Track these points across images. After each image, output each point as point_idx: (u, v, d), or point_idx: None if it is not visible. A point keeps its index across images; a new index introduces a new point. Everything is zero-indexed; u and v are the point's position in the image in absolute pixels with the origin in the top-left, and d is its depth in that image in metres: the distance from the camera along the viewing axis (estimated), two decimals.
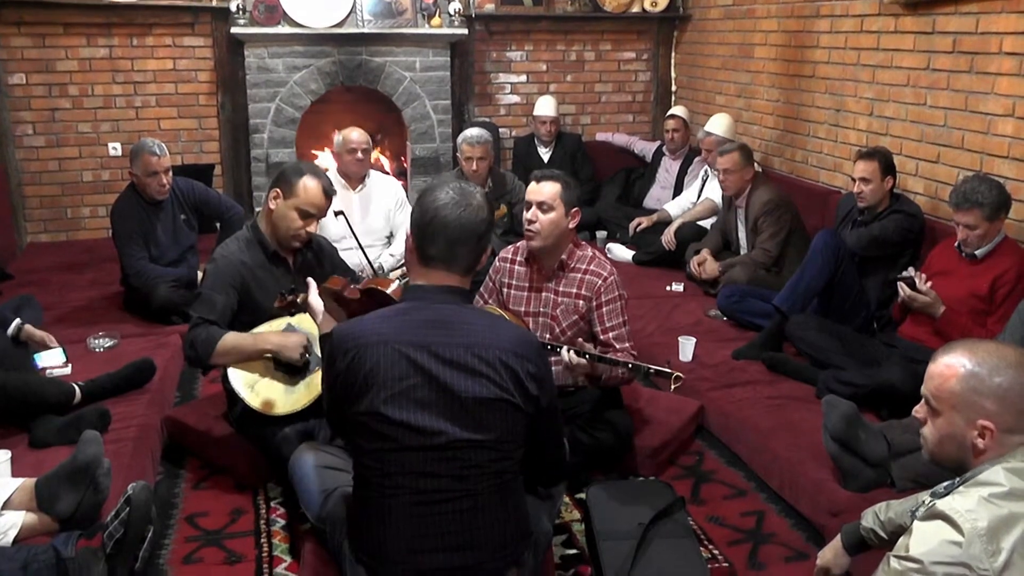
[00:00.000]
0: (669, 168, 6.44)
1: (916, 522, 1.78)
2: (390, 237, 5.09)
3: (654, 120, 7.40)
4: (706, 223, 5.65)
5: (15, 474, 2.82)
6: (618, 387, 3.41)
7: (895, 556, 1.76)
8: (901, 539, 1.78)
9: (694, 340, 4.16)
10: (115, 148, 6.38)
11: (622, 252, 5.81)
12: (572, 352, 3.06)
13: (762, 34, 5.98)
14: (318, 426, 3.12)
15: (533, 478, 2.42)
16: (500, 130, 7.04)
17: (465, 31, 6.55)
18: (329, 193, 3.33)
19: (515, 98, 7.20)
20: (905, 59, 4.62)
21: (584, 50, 7.24)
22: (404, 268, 3.79)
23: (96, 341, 4.13)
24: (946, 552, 1.67)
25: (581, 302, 3.30)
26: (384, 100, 6.67)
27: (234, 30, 6.15)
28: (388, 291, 2.82)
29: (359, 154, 4.92)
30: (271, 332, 3.21)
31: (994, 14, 4.02)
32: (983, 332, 3.47)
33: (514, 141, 7.00)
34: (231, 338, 3.14)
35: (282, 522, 3.11)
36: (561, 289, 3.33)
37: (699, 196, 5.86)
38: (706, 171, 5.88)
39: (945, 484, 1.85)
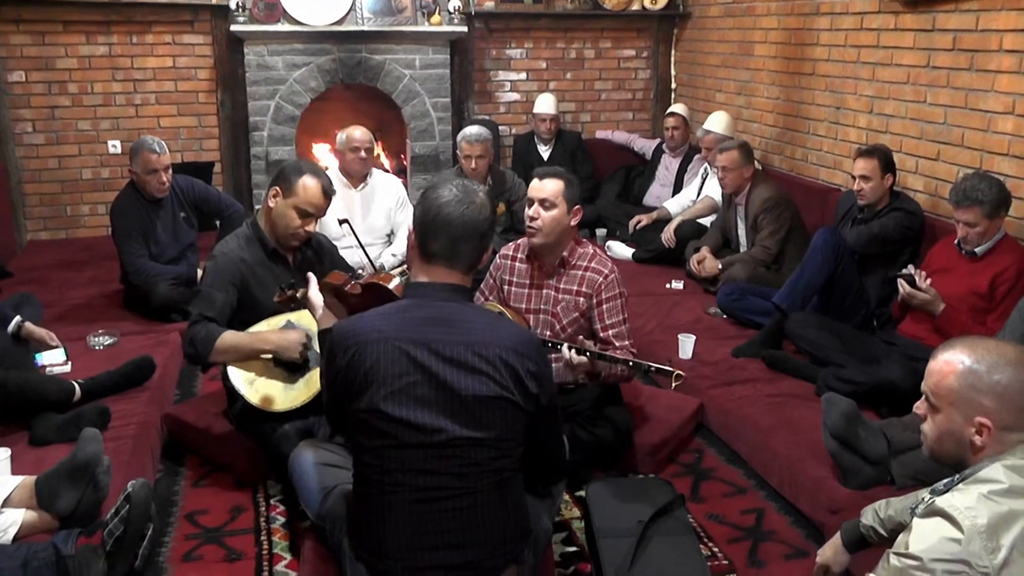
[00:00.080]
0: (669, 166, 6.44)
1: (916, 519, 1.78)
2: (391, 236, 5.08)
3: (654, 118, 7.40)
4: (706, 221, 5.65)
5: (15, 472, 2.82)
6: (618, 384, 3.41)
7: (895, 553, 1.76)
8: (901, 536, 1.78)
9: (694, 338, 4.16)
10: (115, 146, 6.38)
11: (622, 250, 5.81)
12: (573, 350, 3.06)
13: (762, 32, 5.97)
14: (318, 423, 3.12)
15: (533, 476, 2.42)
16: (500, 128, 7.04)
17: (465, 29, 6.55)
18: (328, 193, 3.33)
19: (515, 96, 7.19)
20: (905, 57, 4.62)
21: (584, 48, 7.24)
22: (405, 266, 3.80)
23: (96, 339, 4.13)
24: (946, 549, 1.67)
25: (582, 299, 3.30)
26: (384, 98, 6.67)
27: (234, 28, 6.15)
28: (390, 287, 2.82)
29: (362, 153, 4.91)
30: (270, 331, 3.21)
31: (994, 11, 4.02)
32: (983, 330, 3.47)
33: (514, 139, 7.00)
34: (230, 336, 3.14)
35: (282, 520, 3.11)
36: (562, 286, 3.33)
37: (699, 194, 5.86)
38: (706, 169, 5.88)
39: (945, 481, 1.86)
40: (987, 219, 3.53)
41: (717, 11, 6.63)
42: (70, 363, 3.81)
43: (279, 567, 2.85)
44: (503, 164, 6.72)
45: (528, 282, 3.40)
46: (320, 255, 3.49)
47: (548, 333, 3.33)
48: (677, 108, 6.50)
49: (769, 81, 5.93)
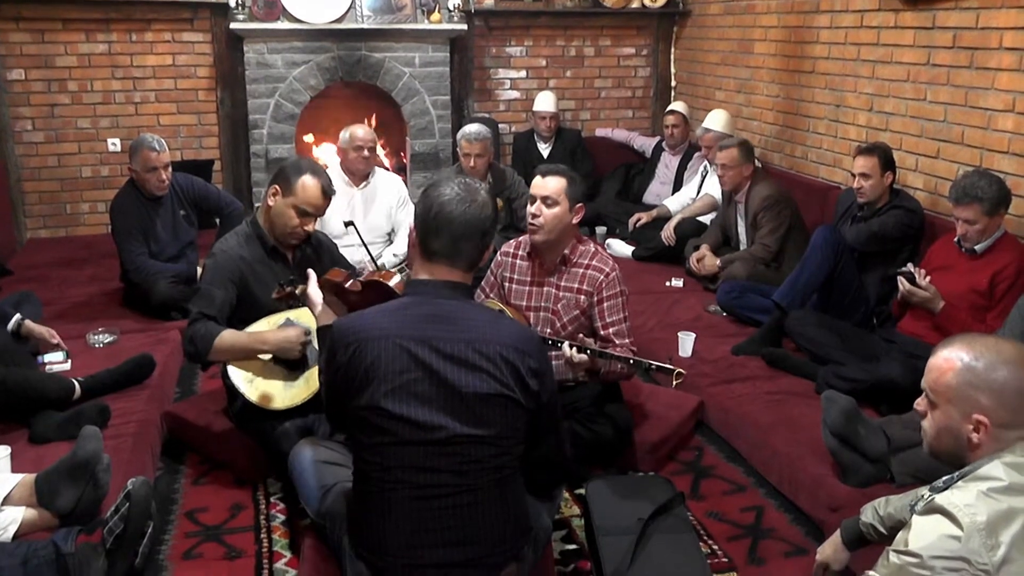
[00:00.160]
0: (668, 164, 6.44)
1: (915, 516, 1.78)
2: (391, 235, 5.08)
3: (654, 116, 7.40)
4: (706, 219, 5.65)
5: (15, 470, 2.82)
6: (617, 382, 3.41)
7: (894, 551, 1.76)
8: (900, 534, 1.79)
9: (693, 336, 4.16)
10: (114, 144, 6.38)
11: (621, 248, 5.80)
12: (574, 348, 3.06)
13: (762, 29, 5.97)
14: (317, 421, 3.12)
15: (535, 478, 2.41)
16: (500, 126, 7.04)
17: (464, 27, 6.55)
18: (328, 193, 3.33)
19: (515, 94, 7.19)
20: (905, 54, 4.62)
21: (584, 46, 7.23)
22: (405, 263, 3.80)
23: (96, 337, 4.13)
24: (945, 546, 1.67)
25: (582, 297, 3.30)
26: (383, 96, 6.66)
27: (233, 26, 6.14)
28: (391, 284, 2.82)
29: (365, 152, 4.89)
30: (269, 331, 3.20)
31: (994, 9, 4.02)
32: (982, 327, 3.48)
33: (514, 137, 7.00)
34: (229, 336, 3.14)
35: (282, 517, 3.11)
36: (563, 284, 3.33)
37: (698, 192, 5.86)
38: (705, 167, 5.88)
39: (944, 479, 1.86)
40: (987, 216, 3.53)
41: (717, 9, 6.62)
42: (70, 361, 3.81)
43: (279, 565, 2.85)
44: (503, 162, 6.71)
45: (529, 279, 3.40)
46: (320, 253, 3.49)
47: (548, 331, 3.33)
48: (677, 106, 6.50)
49: (769, 79, 5.92)
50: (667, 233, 5.56)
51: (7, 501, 2.63)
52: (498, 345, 2.12)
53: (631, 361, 3.03)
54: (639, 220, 5.97)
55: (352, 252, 4.11)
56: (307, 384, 3.16)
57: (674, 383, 2.92)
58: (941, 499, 1.74)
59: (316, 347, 3.07)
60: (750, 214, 4.94)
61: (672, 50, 7.35)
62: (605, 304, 3.29)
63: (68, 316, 4.53)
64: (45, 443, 3.13)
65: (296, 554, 2.85)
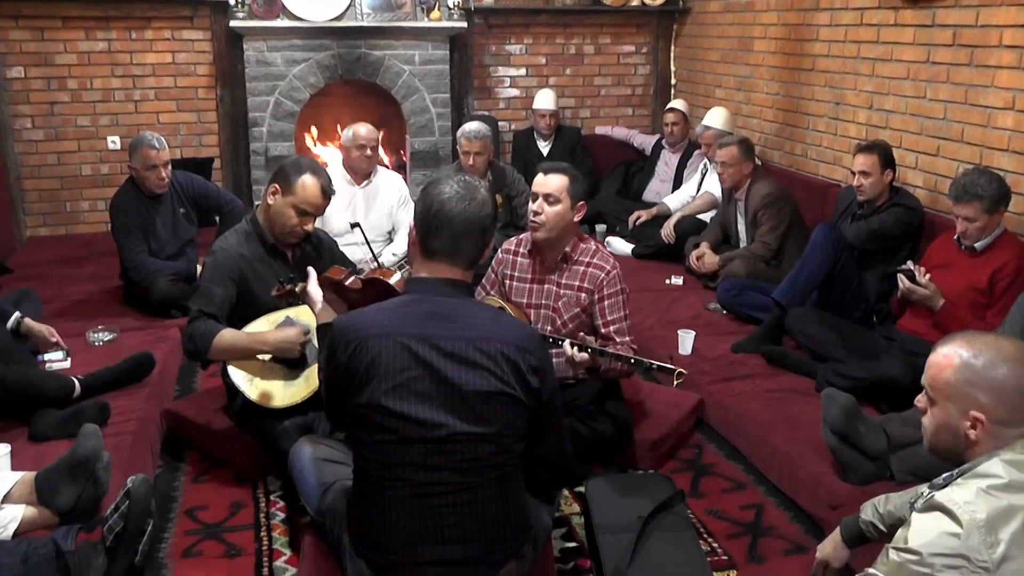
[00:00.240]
0: (668, 161, 6.44)
1: (914, 514, 1.79)
2: (392, 233, 5.07)
3: (653, 114, 7.39)
4: (705, 216, 5.65)
5: (15, 468, 2.82)
6: (618, 380, 3.41)
7: (894, 548, 1.76)
8: (900, 531, 1.79)
9: (693, 333, 4.16)
10: (114, 142, 6.37)
11: (621, 245, 5.80)
12: (575, 347, 3.05)
13: (761, 27, 5.97)
14: (317, 419, 3.11)
15: (536, 477, 2.40)
16: (499, 124, 7.04)
17: (464, 24, 6.55)
18: (328, 193, 3.32)
19: (514, 91, 7.19)
20: (905, 52, 4.61)
21: (583, 44, 7.23)
22: (405, 260, 3.80)
23: (95, 335, 4.13)
24: (945, 544, 1.68)
25: (583, 295, 3.30)
26: (383, 93, 6.66)
27: (233, 23, 6.14)
28: (391, 282, 2.82)
29: (367, 151, 4.88)
30: (268, 331, 3.19)
31: (994, 7, 4.01)
32: (982, 325, 3.48)
33: (513, 134, 7.00)
34: (229, 335, 3.13)
35: (282, 515, 3.11)
36: (563, 282, 3.34)
37: (698, 189, 5.86)
38: (705, 164, 5.88)
39: (944, 476, 1.86)
40: (986, 214, 3.53)
41: (717, 7, 6.62)
42: (70, 359, 3.81)
43: (279, 563, 2.85)
44: (503, 160, 6.71)
45: (530, 277, 3.40)
46: (320, 251, 3.49)
47: (549, 328, 3.33)
48: (677, 104, 6.49)
49: (769, 77, 5.92)
50: (667, 231, 5.56)
51: (7, 499, 2.63)
52: (499, 343, 2.12)
53: (632, 360, 3.03)
54: (639, 218, 5.97)
55: (353, 251, 4.11)
56: (307, 382, 3.16)
57: (675, 383, 2.93)
58: (941, 496, 1.74)
59: (316, 345, 3.07)
60: (750, 212, 4.94)
61: (672, 48, 7.35)
62: (606, 302, 3.29)
63: (68, 314, 4.53)
64: (45, 441, 3.13)
65: (296, 552, 2.85)
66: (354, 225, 4.09)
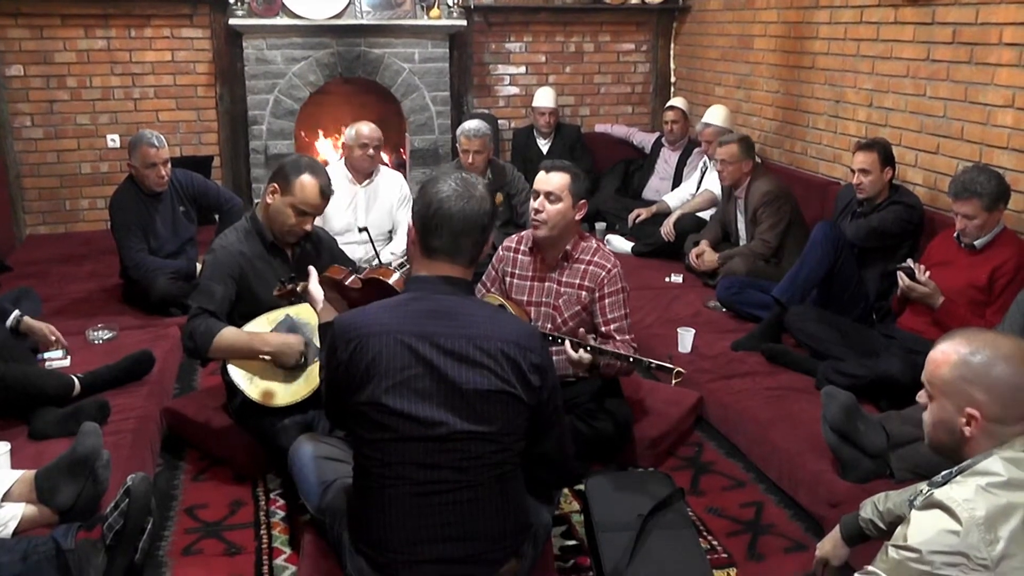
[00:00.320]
0: (668, 159, 6.44)
1: (914, 512, 1.79)
2: (392, 232, 5.06)
3: (653, 111, 7.39)
4: (705, 214, 5.65)
5: (15, 466, 2.82)
6: (617, 378, 3.41)
7: (893, 546, 1.76)
8: (899, 529, 1.79)
9: (693, 331, 4.16)
10: (113, 140, 6.37)
11: (621, 243, 5.81)
12: (580, 349, 3.04)
13: (761, 25, 5.96)
14: (317, 418, 3.11)
15: (536, 476, 2.40)
16: (499, 122, 7.04)
17: (464, 22, 6.54)
18: (326, 193, 3.31)
19: (514, 89, 7.19)
20: (905, 50, 4.61)
21: (583, 41, 7.23)
22: (404, 261, 3.79)
23: (95, 333, 4.13)
24: (944, 541, 1.68)
25: (584, 293, 3.30)
26: (383, 92, 6.66)
27: (232, 21, 6.13)
28: (390, 281, 2.82)
29: (370, 150, 4.86)
30: (270, 333, 3.19)
31: (994, 4, 4.01)
32: (982, 323, 3.48)
33: (513, 132, 7.00)
34: (229, 334, 3.13)
35: (282, 513, 3.11)
36: (564, 279, 3.33)
37: (698, 187, 5.86)
38: (705, 162, 5.88)
39: (943, 473, 1.86)
40: (986, 212, 3.53)
41: (716, 5, 6.62)
42: (69, 357, 3.80)
43: (279, 561, 2.85)
44: (502, 158, 6.70)
45: (530, 274, 3.40)
46: (319, 249, 3.49)
47: (549, 326, 3.33)
48: (676, 102, 6.49)
49: (768, 75, 5.92)
50: (667, 229, 5.56)
51: (7, 497, 2.63)
52: (499, 341, 2.12)
53: (631, 359, 3.03)
54: (638, 216, 5.97)
55: (353, 249, 4.10)
56: (307, 381, 3.15)
57: (673, 381, 2.92)
58: (940, 494, 1.74)
59: (317, 345, 3.07)
60: (750, 210, 4.94)
61: (672, 46, 7.35)
62: (607, 300, 3.29)
63: (67, 312, 4.53)
64: (44, 439, 3.13)
65: (296, 550, 2.85)
66: (362, 229, 4.08)
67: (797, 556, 2.87)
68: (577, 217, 3.30)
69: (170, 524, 3.04)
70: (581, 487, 3.04)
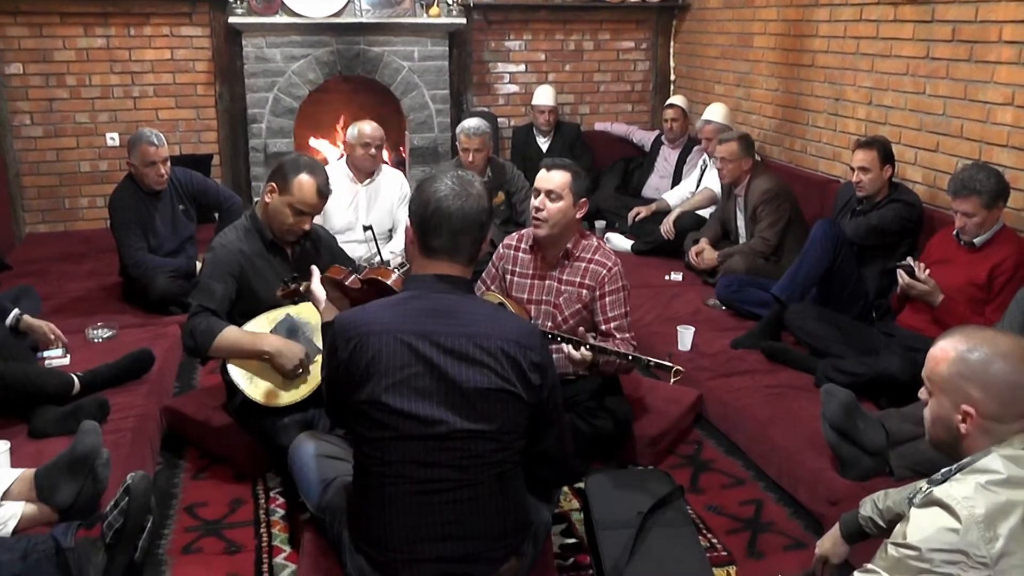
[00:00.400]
0: (668, 157, 6.43)
1: (913, 509, 1.79)
2: (392, 231, 5.06)
3: (653, 109, 7.39)
4: (705, 212, 5.65)
5: (14, 464, 2.82)
6: (617, 375, 3.41)
7: (892, 543, 1.76)
8: (899, 526, 1.79)
9: (693, 329, 4.16)
10: (113, 138, 6.37)
11: (621, 242, 5.81)
12: (580, 347, 3.04)
13: (761, 23, 5.96)
14: (317, 416, 3.11)
15: (536, 474, 2.40)
16: (499, 120, 7.03)
17: (463, 20, 6.53)
18: (324, 192, 3.30)
19: (514, 87, 7.18)
20: (904, 48, 4.61)
21: (583, 39, 7.22)
22: (402, 260, 3.79)
23: (95, 332, 4.12)
24: (943, 539, 1.68)
25: (584, 291, 3.30)
26: (382, 90, 6.65)
27: (232, 19, 6.12)
28: (389, 281, 2.82)
29: (372, 150, 4.86)
30: (271, 335, 3.19)
31: (993, 2, 4.01)
32: (981, 320, 3.48)
33: (513, 131, 6.99)
34: (230, 333, 3.13)
35: (281, 512, 3.11)
36: (565, 278, 3.33)
37: (698, 185, 5.86)
38: (704, 160, 5.88)
39: (942, 471, 1.86)
40: (985, 209, 3.53)
41: (716, 2, 6.61)
42: (69, 356, 3.80)
43: (279, 559, 2.85)
44: (502, 156, 6.70)
45: (531, 272, 3.40)
46: (318, 247, 3.49)
47: (550, 324, 3.33)
48: (676, 100, 6.49)
49: (768, 73, 5.92)
50: (666, 227, 5.56)
51: (7, 496, 2.63)
52: (499, 339, 2.12)
53: (631, 357, 3.03)
54: (638, 214, 5.96)
55: (353, 248, 4.10)
56: (307, 381, 3.15)
57: (672, 380, 2.92)
58: (939, 492, 1.74)
59: (317, 344, 3.07)
60: (749, 208, 4.94)
61: (671, 44, 7.34)
62: (607, 299, 3.29)
63: (67, 311, 4.53)
64: (44, 438, 3.13)
65: (296, 548, 2.85)
66: (367, 228, 4.08)
67: (797, 554, 2.87)
68: (578, 215, 3.30)
69: (170, 522, 3.04)
70: (581, 485, 3.04)
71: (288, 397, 3.12)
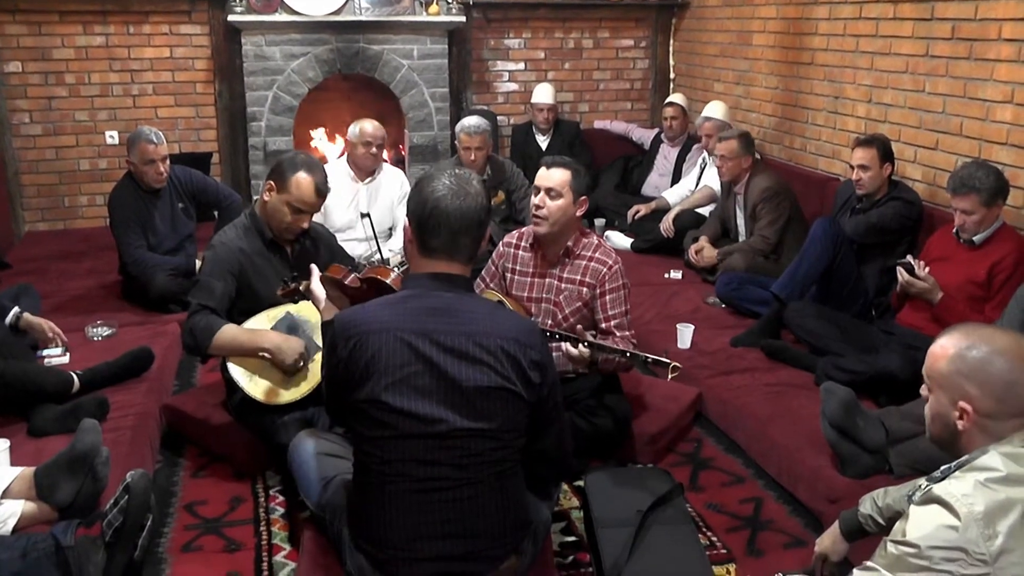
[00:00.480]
0: (667, 155, 6.43)
1: (912, 507, 1.79)
2: (391, 230, 5.05)
3: (652, 108, 7.39)
4: (704, 210, 5.65)
5: (14, 463, 2.82)
6: (616, 373, 3.41)
7: (892, 541, 1.76)
8: (898, 524, 1.79)
9: (692, 327, 4.16)
10: (112, 136, 6.37)
11: (620, 240, 5.81)
12: (579, 344, 3.04)
13: (760, 21, 5.96)
14: (317, 414, 3.11)
15: (536, 472, 2.40)
16: (498, 118, 7.03)
17: (463, 19, 6.53)
18: (322, 191, 3.30)
19: (513, 86, 7.18)
20: (904, 46, 4.61)
21: (582, 38, 7.22)
22: (402, 258, 3.79)
23: (94, 330, 4.12)
24: (942, 536, 1.68)
25: (585, 289, 3.30)
26: (382, 88, 6.65)
27: (231, 18, 6.12)
28: (388, 280, 2.82)
29: (373, 148, 4.85)
30: (271, 331, 3.19)
31: (993, 0, 4.01)
32: (980, 318, 3.47)
33: (512, 129, 6.99)
34: (230, 331, 3.13)
35: (281, 510, 3.11)
36: (565, 276, 3.33)
37: (697, 183, 5.86)
38: (704, 158, 5.88)
39: (942, 469, 1.86)
40: (984, 207, 3.53)
41: (715, 0, 6.61)
42: (68, 354, 3.80)
43: (278, 557, 2.85)
44: (501, 154, 6.69)
45: (531, 271, 3.40)
46: (318, 245, 3.48)
47: (550, 322, 3.33)
48: (675, 98, 6.50)
49: (767, 71, 5.91)
50: (666, 225, 5.56)
51: (6, 494, 2.63)
52: (499, 338, 2.12)
53: (628, 354, 3.03)
54: (638, 212, 5.96)
55: (353, 246, 4.09)
56: (307, 379, 3.15)
57: (669, 376, 2.92)
58: (939, 489, 1.74)
59: (317, 342, 3.07)
60: (749, 206, 4.94)
61: (671, 42, 7.34)
62: (608, 297, 3.29)
63: (66, 309, 4.53)
64: (44, 436, 3.13)
65: (295, 547, 2.86)
66: (364, 215, 4.06)
67: (796, 552, 2.88)
68: (578, 213, 3.30)
69: (170, 521, 3.04)
70: (580, 483, 3.04)
71: (288, 395, 3.12)
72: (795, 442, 3.25)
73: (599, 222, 6.14)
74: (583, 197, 3.29)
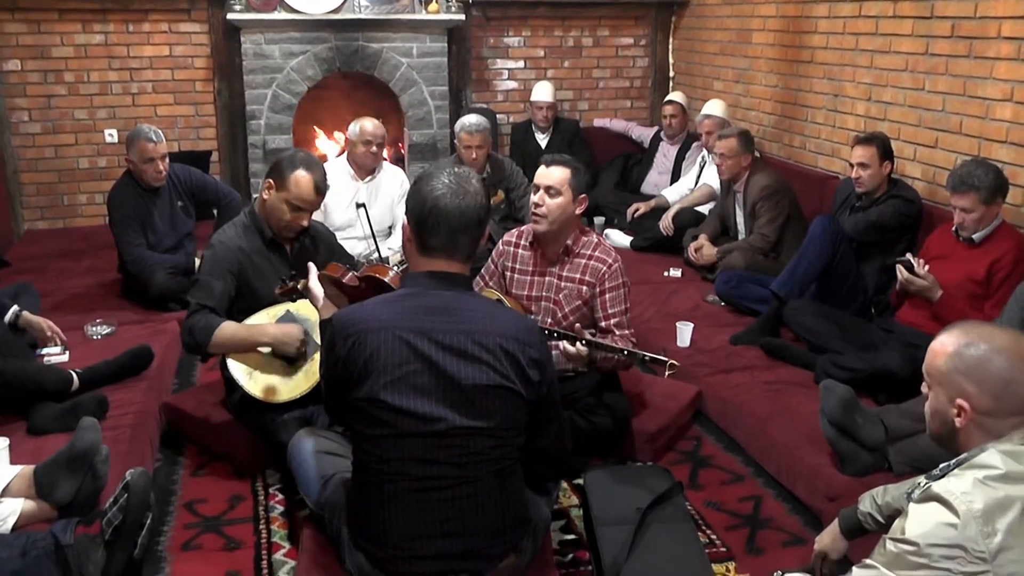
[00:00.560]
0: (667, 154, 6.43)
1: (911, 504, 1.79)
2: (391, 228, 5.05)
3: (652, 106, 7.38)
4: (704, 209, 5.65)
5: (13, 461, 2.82)
6: (616, 372, 3.41)
7: (891, 539, 1.76)
8: (897, 522, 1.79)
9: (692, 326, 4.16)
10: (111, 135, 6.37)
11: (620, 238, 5.81)
12: (578, 342, 3.04)
13: (760, 19, 5.96)
14: (317, 412, 3.11)
15: (535, 470, 2.40)
16: (498, 116, 7.02)
17: (462, 17, 6.53)
18: (321, 189, 3.30)
19: (512, 84, 7.18)
20: (903, 44, 4.61)
21: (582, 36, 7.22)
22: (401, 257, 3.79)
23: (94, 328, 4.12)
24: (942, 534, 1.68)
25: (584, 287, 3.30)
26: (381, 86, 6.65)
27: (230, 16, 6.12)
28: (386, 279, 2.82)
29: (373, 147, 4.85)
30: (269, 324, 3.20)
31: None
32: (980, 316, 3.47)
33: (511, 127, 6.99)
34: (229, 328, 3.13)
35: (281, 508, 3.11)
36: (565, 274, 3.33)
37: (697, 182, 5.86)
38: (703, 157, 5.87)
39: (941, 466, 1.86)
40: (983, 205, 3.52)
41: None
42: (68, 353, 3.80)
43: (278, 556, 2.85)
44: (500, 152, 6.69)
45: (531, 269, 3.40)
46: (317, 243, 3.48)
47: (549, 320, 3.33)
48: (675, 96, 6.49)
49: (767, 69, 5.91)
50: (665, 223, 5.56)
51: (6, 493, 2.63)
52: (498, 336, 2.12)
53: (626, 352, 3.03)
54: (637, 210, 5.96)
55: (352, 245, 4.09)
56: (307, 377, 3.15)
57: (667, 374, 2.92)
58: (938, 487, 1.74)
59: (317, 340, 3.07)
60: (748, 204, 4.94)
61: (670, 40, 7.34)
62: (607, 295, 3.29)
63: (66, 307, 4.53)
64: (43, 435, 3.13)
65: (295, 545, 2.86)
66: (360, 205, 4.06)
67: (796, 550, 2.88)
68: (577, 211, 3.30)
69: (169, 519, 3.04)
70: (580, 481, 3.04)
71: (287, 393, 3.12)
72: (794, 440, 3.25)
73: (599, 220, 6.14)
74: (583, 195, 3.29)
